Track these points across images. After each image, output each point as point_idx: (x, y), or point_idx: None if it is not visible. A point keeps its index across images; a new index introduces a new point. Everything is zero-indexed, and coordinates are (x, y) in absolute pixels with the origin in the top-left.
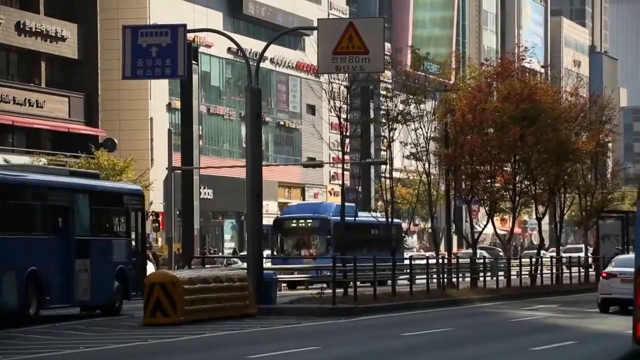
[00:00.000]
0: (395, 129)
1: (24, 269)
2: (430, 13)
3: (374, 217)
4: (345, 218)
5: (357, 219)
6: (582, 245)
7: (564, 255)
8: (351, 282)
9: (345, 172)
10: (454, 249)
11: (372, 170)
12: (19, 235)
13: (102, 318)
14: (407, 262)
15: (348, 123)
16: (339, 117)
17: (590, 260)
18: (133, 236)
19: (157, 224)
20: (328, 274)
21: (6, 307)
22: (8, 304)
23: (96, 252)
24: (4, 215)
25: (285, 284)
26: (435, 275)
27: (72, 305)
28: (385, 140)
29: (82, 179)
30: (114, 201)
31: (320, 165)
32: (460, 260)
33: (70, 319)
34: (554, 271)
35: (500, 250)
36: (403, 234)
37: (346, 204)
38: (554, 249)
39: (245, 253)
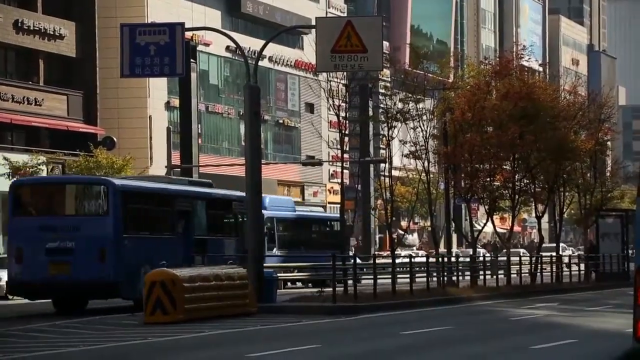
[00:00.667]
0: (394, 127)
1: (156, 263)
2: (428, 11)
3: (316, 212)
4: (282, 213)
5: (295, 214)
6: (557, 244)
7: (543, 254)
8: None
9: (345, 171)
10: (454, 247)
11: (372, 168)
12: (152, 236)
13: (104, 316)
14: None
15: (347, 121)
16: (337, 116)
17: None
18: (238, 235)
19: None
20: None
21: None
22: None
23: (211, 248)
24: (140, 219)
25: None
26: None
27: None
28: (384, 138)
29: (199, 188)
30: (225, 206)
31: (320, 163)
32: (460, 258)
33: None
34: (554, 269)
35: (499, 243)
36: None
37: (281, 197)
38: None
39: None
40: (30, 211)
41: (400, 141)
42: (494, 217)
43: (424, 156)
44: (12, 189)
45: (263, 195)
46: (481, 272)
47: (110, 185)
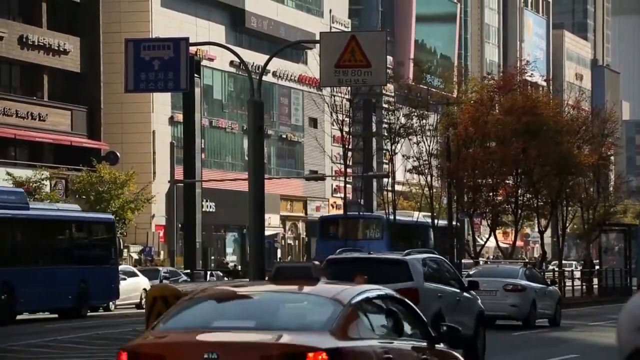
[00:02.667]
0: (397, 142)
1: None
2: (432, 27)
3: (72, 211)
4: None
5: (27, 213)
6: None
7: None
8: None
9: (348, 185)
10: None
11: (375, 183)
12: None
13: (106, 331)
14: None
15: (350, 136)
16: (341, 130)
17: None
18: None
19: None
20: None
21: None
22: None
23: None
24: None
25: None
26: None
27: None
28: (387, 153)
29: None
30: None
31: (323, 178)
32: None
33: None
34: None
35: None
36: (119, 238)
37: (6, 188)
38: (557, 262)
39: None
40: None
41: (403, 156)
42: (497, 231)
43: (426, 171)
44: None
45: None
46: None
47: None
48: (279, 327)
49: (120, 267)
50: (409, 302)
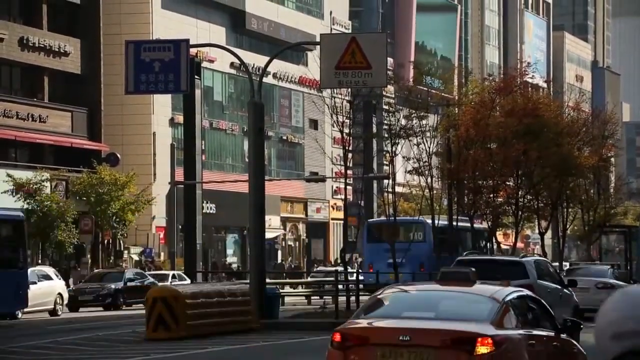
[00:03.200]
0: (398, 143)
1: None
2: (433, 28)
3: None
4: None
5: None
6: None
7: None
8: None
9: (348, 187)
10: None
11: (375, 184)
12: None
13: (106, 332)
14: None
15: (351, 138)
16: (341, 132)
17: None
18: None
19: None
20: None
21: None
22: None
23: None
24: None
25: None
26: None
27: None
28: (387, 155)
29: None
30: None
31: (323, 179)
32: None
33: None
34: None
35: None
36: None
37: None
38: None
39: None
40: None
41: (403, 157)
42: (497, 233)
43: (427, 172)
44: None
45: None
46: None
47: None
48: (452, 317)
49: (35, 269)
50: (541, 300)
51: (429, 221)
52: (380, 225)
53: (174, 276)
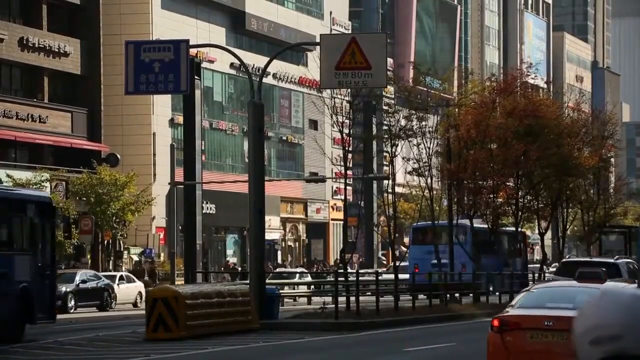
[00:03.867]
0: (398, 144)
1: None
2: (432, 29)
3: None
4: None
5: None
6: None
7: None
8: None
9: (348, 187)
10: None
11: (375, 185)
12: None
13: (106, 333)
14: None
15: (350, 138)
16: (341, 132)
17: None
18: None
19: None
20: None
21: None
22: None
23: None
24: None
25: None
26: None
27: None
28: (387, 155)
29: None
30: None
31: (323, 180)
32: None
33: None
34: None
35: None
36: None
37: None
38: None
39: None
40: None
41: (403, 158)
42: None
43: (427, 173)
44: None
45: None
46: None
47: None
48: None
49: None
50: None
51: (469, 224)
52: (425, 229)
53: (121, 277)
